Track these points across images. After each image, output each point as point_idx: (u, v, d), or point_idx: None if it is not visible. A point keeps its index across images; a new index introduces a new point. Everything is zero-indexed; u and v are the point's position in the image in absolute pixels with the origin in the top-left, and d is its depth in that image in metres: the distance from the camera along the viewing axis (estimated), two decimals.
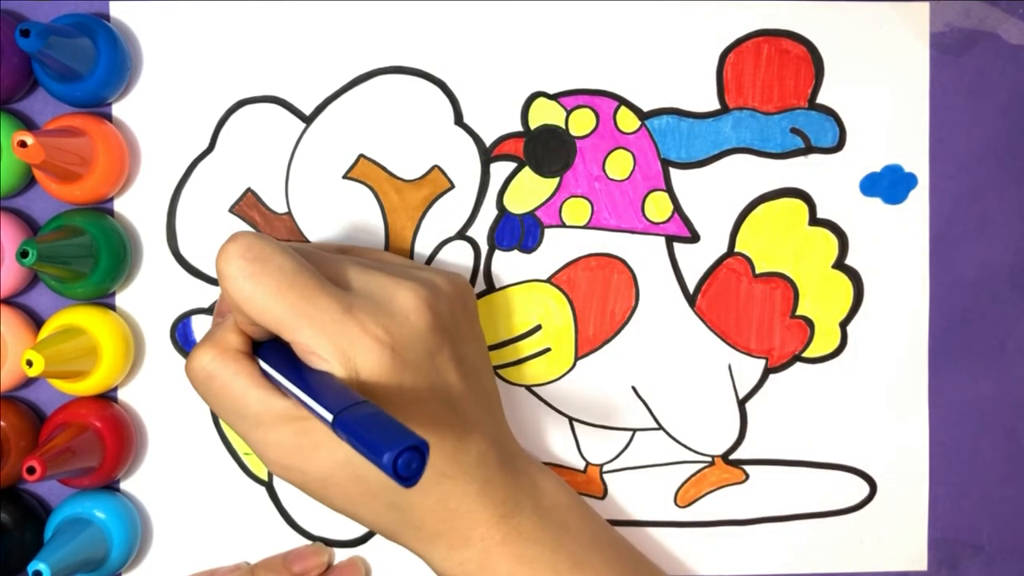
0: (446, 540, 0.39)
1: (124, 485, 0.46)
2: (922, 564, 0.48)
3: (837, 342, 0.47)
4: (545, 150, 0.46)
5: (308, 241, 0.46)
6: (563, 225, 0.46)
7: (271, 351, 0.37)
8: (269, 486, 0.46)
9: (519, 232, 0.46)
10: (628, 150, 0.46)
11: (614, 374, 0.47)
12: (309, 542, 0.46)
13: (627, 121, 0.46)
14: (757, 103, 0.47)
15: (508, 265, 0.46)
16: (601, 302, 0.47)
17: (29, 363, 0.39)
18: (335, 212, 0.46)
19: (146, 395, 0.46)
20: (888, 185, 0.47)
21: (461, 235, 0.46)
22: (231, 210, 0.46)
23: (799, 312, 0.47)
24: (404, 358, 0.36)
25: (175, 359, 0.45)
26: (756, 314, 0.47)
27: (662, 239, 0.47)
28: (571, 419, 0.47)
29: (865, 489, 0.48)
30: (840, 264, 0.47)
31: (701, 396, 0.47)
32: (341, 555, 0.46)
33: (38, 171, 0.43)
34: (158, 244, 0.45)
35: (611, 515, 0.47)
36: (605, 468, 0.47)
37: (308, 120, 0.46)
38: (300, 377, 0.35)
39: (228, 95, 0.45)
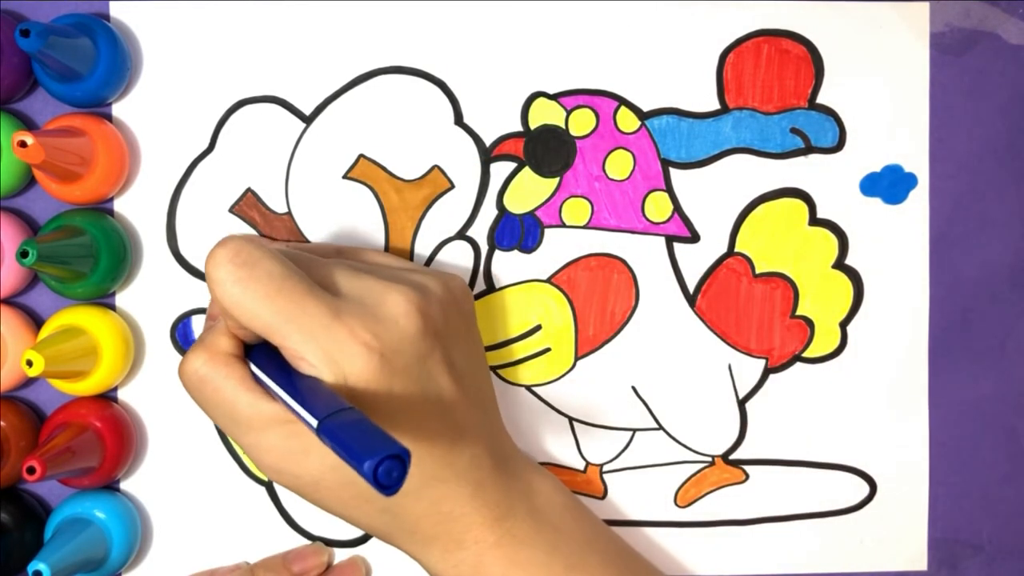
0: (440, 543, 0.39)
1: (124, 485, 0.46)
2: (922, 564, 0.48)
3: (837, 342, 0.47)
4: (545, 150, 0.46)
5: (308, 241, 0.46)
6: (563, 225, 0.46)
7: (262, 355, 0.37)
8: (269, 486, 0.46)
9: (519, 232, 0.46)
10: (628, 150, 0.46)
11: (614, 374, 0.47)
12: (309, 542, 0.46)
13: (627, 121, 0.46)
14: (757, 103, 0.47)
15: (508, 265, 0.46)
16: (601, 302, 0.47)
17: (29, 363, 0.39)
18: (335, 212, 0.46)
19: (146, 395, 0.46)
20: (888, 185, 0.47)
21: (461, 235, 0.46)
22: (231, 210, 0.46)
23: (799, 312, 0.47)
24: (393, 363, 0.36)
25: (175, 359, 0.45)
26: (756, 314, 0.47)
27: (662, 239, 0.47)
28: (571, 419, 0.47)
29: (865, 489, 0.48)
30: (840, 264, 0.47)
31: (701, 396, 0.47)
32: (341, 555, 0.46)
33: (38, 171, 0.43)
34: (158, 244, 0.45)
35: (611, 515, 0.47)
36: (605, 468, 0.47)
37: (308, 120, 0.46)
38: (289, 382, 0.35)
39: (228, 95, 0.45)
